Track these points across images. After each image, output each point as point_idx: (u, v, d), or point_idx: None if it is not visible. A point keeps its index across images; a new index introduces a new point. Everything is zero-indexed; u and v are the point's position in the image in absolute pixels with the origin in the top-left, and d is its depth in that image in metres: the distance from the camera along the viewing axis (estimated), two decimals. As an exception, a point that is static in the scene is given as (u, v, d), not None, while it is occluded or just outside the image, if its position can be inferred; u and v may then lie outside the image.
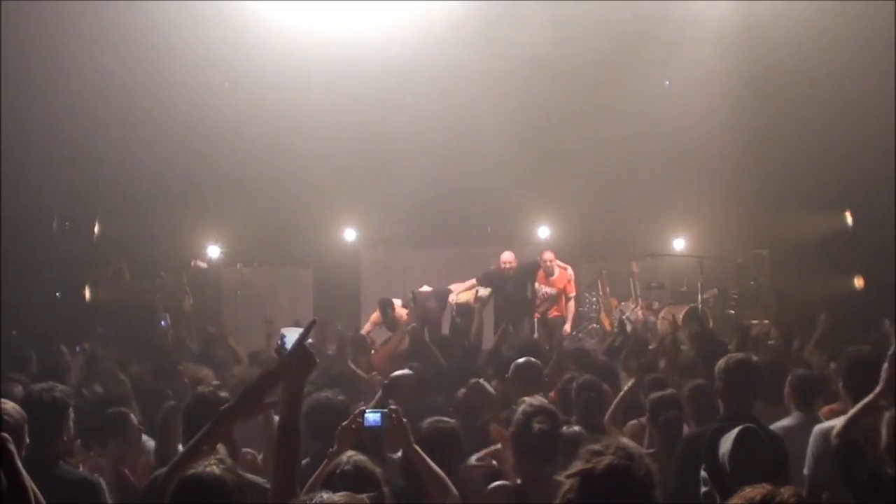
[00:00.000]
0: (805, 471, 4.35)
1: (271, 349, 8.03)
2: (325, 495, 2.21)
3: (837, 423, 4.15)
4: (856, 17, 10.84)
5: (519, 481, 3.69)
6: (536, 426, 3.67)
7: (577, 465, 2.45)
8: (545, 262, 11.66)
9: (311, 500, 2.20)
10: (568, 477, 2.43)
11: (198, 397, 4.06)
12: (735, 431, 2.98)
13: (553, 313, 11.59)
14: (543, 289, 11.70)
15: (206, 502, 2.53)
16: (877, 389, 4.09)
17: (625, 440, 2.54)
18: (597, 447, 2.48)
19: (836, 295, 11.46)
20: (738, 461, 2.92)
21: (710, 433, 3.21)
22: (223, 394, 4.06)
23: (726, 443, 2.99)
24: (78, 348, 8.99)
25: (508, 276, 11.51)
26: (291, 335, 2.91)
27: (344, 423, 3.68)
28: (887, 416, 3.77)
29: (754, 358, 4.50)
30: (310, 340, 2.86)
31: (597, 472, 2.36)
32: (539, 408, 3.79)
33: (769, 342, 8.07)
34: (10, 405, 3.18)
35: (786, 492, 2.25)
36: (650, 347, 7.72)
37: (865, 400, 4.12)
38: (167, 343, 9.28)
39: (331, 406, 4.46)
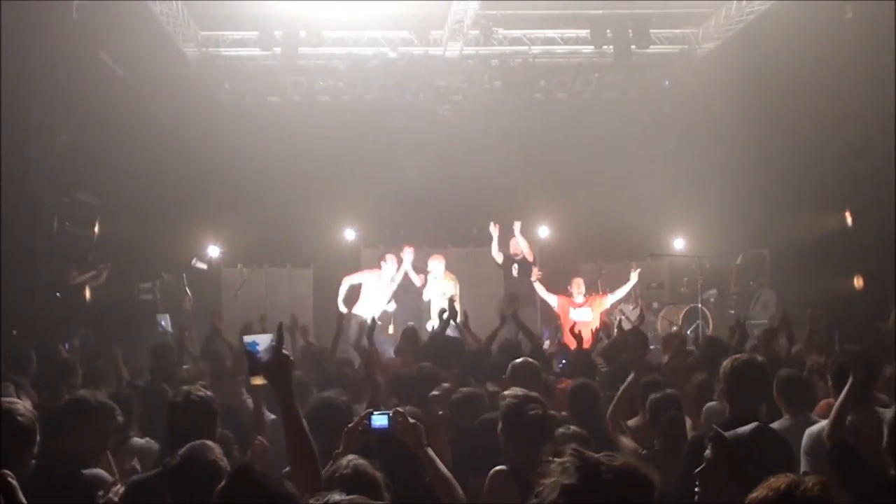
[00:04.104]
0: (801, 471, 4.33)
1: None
2: (339, 497, 2.12)
3: (825, 424, 4.09)
4: (856, 18, 10.85)
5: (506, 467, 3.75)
6: (530, 412, 3.76)
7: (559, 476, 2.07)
8: (577, 284, 11.71)
9: (324, 498, 2.11)
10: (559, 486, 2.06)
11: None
12: (747, 430, 2.95)
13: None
14: (576, 311, 11.38)
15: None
16: (846, 388, 4.02)
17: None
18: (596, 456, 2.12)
19: (835, 295, 11.44)
20: (755, 458, 2.90)
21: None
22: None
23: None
24: (67, 346, 8.99)
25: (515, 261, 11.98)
26: (262, 342, 2.91)
27: (350, 425, 3.62)
28: (888, 415, 3.76)
29: (759, 358, 4.47)
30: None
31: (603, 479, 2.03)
32: (528, 396, 3.94)
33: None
34: (21, 406, 3.15)
35: (810, 480, 2.20)
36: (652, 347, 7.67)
37: (840, 399, 4.05)
38: (168, 343, 9.22)
39: (332, 406, 4.45)
